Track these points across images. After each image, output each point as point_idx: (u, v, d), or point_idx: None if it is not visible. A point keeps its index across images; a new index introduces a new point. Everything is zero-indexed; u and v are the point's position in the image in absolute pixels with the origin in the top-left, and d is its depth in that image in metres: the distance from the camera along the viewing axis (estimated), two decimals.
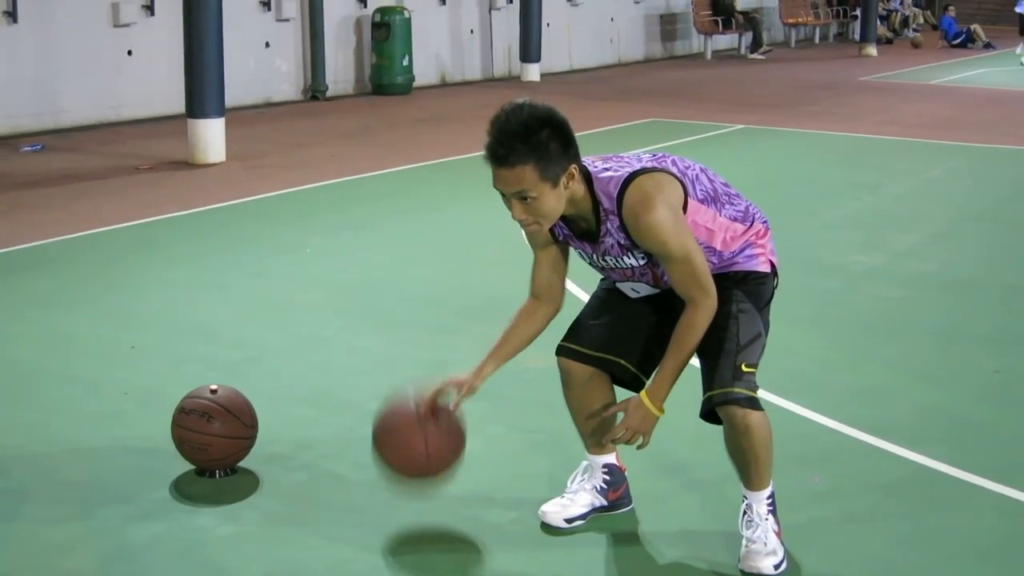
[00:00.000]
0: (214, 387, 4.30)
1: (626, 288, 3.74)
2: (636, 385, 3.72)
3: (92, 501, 4.07)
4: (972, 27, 27.23)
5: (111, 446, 4.53)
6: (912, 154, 12.00)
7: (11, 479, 4.22)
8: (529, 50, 18.31)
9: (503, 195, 3.34)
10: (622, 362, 3.74)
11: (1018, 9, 19.71)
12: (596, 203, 3.45)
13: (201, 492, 4.16)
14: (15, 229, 8.05)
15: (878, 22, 25.90)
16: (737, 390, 3.48)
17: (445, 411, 3.63)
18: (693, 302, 3.44)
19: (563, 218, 3.49)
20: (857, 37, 25.88)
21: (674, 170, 3.51)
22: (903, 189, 10.16)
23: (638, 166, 3.47)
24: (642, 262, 3.54)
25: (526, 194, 3.29)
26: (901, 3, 29.60)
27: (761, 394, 3.57)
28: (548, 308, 3.73)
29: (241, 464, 4.29)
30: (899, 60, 23.42)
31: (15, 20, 12.18)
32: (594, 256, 3.61)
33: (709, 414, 3.56)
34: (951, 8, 28.92)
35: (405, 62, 16.24)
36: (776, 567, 3.61)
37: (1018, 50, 21.29)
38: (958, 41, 26.84)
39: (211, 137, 10.68)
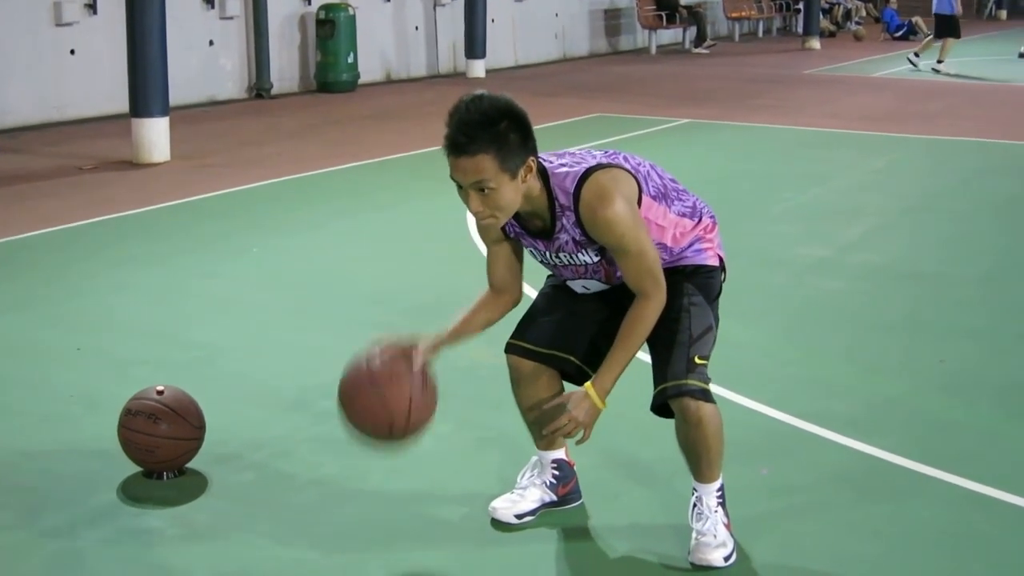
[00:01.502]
0: (160, 388, 4.27)
1: (576, 286, 3.74)
2: (582, 379, 3.70)
3: (39, 506, 4.04)
4: (914, 19, 27.53)
5: (57, 450, 4.49)
6: (856, 146, 12.11)
7: None
8: (475, 46, 18.37)
9: (460, 187, 3.31)
10: (569, 357, 3.74)
11: (937, 10, 18.90)
12: (552, 199, 3.45)
13: (149, 494, 4.13)
14: None
15: (821, 15, 26.15)
16: (691, 382, 3.48)
17: (426, 371, 3.55)
18: (644, 294, 3.44)
19: (516, 216, 3.48)
20: (800, 30, 26.13)
21: (627, 166, 3.52)
22: (847, 182, 10.24)
23: (593, 162, 3.47)
24: (596, 259, 3.54)
25: (484, 185, 3.26)
26: None
27: (711, 387, 3.58)
28: (507, 298, 3.73)
29: (189, 465, 4.27)
30: (842, 53, 23.63)
31: None
32: (547, 254, 3.60)
33: (661, 407, 3.56)
34: (892, 1, 29.23)
35: (350, 59, 16.24)
36: (726, 559, 3.63)
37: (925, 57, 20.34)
38: (900, 34, 27.12)
39: (155, 136, 10.62)
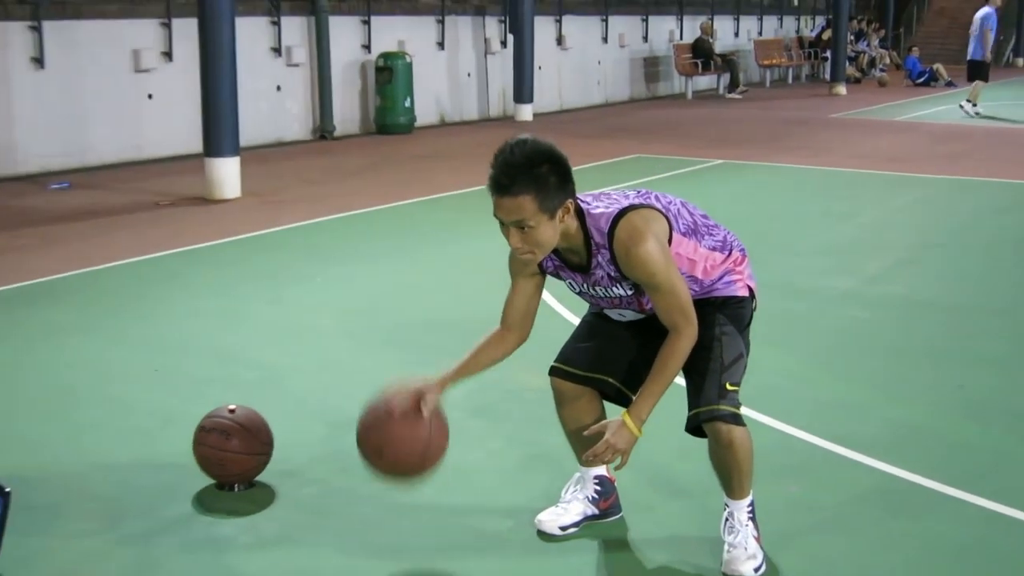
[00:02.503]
0: (232, 407, 4.32)
1: (613, 314, 3.77)
2: (621, 399, 3.74)
3: (119, 515, 4.09)
4: (935, 67, 27.35)
5: (136, 463, 4.55)
6: (879, 185, 12.04)
7: (45, 494, 4.22)
8: (522, 91, 18.42)
9: (502, 223, 3.33)
10: (608, 379, 3.76)
11: (971, 56, 19.13)
12: (588, 238, 3.48)
13: (221, 505, 4.18)
14: (44, 262, 8.08)
15: (847, 63, 26.03)
16: (722, 407, 3.51)
17: (438, 410, 3.60)
18: (676, 330, 3.45)
19: (555, 251, 3.51)
20: (828, 77, 25.97)
21: (658, 205, 3.53)
22: (871, 218, 10.20)
23: (626, 203, 3.48)
24: (630, 292, 3.55)
25: (524, 223, 3.29)
26: (868, 45, 29.74)
27: (742, 410, 3.60)
28: (516, 336, 3.73)
29: (258, 478, 4.31)
30: (867, 98, 23.47)
31: (42, 66, 12.23)
32: (584, 286, 3.63)
33: (695, 429, 3.59)
34: (915, 49, 29.09)
35: (407, 103, 16.29)
36: (756, 570, 3.63)
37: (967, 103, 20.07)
38: (922, 80, 26.96)
39: (226, 174, 10.70)
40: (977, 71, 19.63)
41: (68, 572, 3.69)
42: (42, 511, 4.06)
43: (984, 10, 19.48)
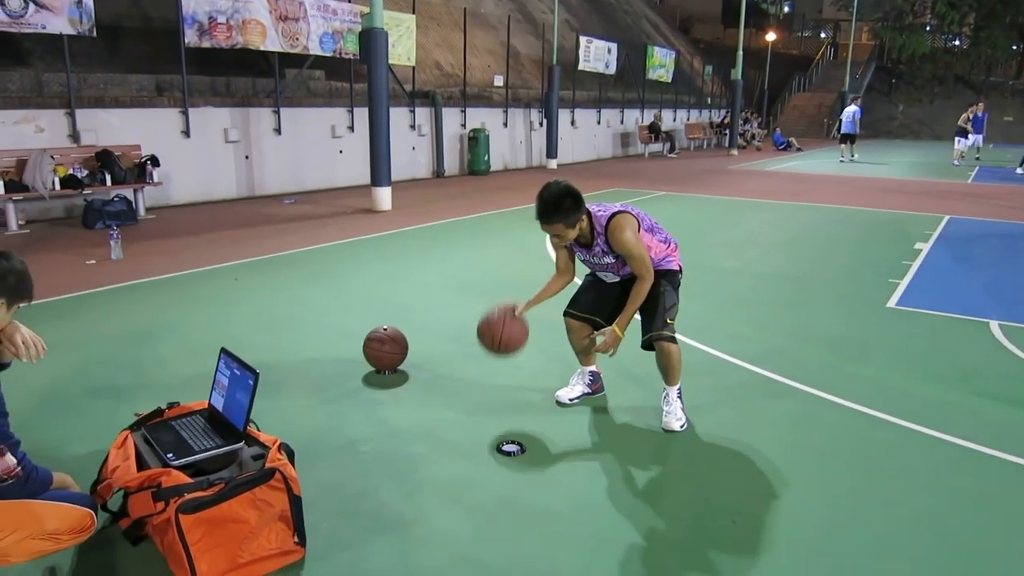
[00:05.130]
0: (385, 326, 4.35)
1: (602, 276, 3.75)
2: (603, 327, 3.73)
3: (319, 388, 4.13)
4: (791, 138, 26.84)
5: (330, 358, 4.58)
6: (755, 207, 11.86)
7: (276, 376, 4.28)
8: (552, 150, 18.23)
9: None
10: (598, 319, 3.75)
11: (845, 130, 20.60)
12: (592, 229, 3.47)
13: (378, 382, 4.21)
14: (279, 244, 8.14)
15: (738, 137, 25.57)
16: (664, 332, 3.51)
17: (523, 317, 3.59)
18: (642, 278, 3.47)
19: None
20: (727, 144, 25.56)
21: (633, 212, 3.52)
22: (750, 226, 10.04)
23: (615, 209, 3.48)
24: (614, 260, 3.55)
25: (557, 234, 3.37)
26: (751, 125, 29.14)
27: (678, 335, 3.56)
28: (567, 277, 3.73)
29: (399, 368, 4.34)
30: (749, 157, 23.07)
31: (280, 133, 12.31)
32: (587, 255, 3.62)
33: (648, 346, 3.57)
34: (778, 128, 28.55)
35: (485, 157, 16.17)
36: (681, 427, 3.63)
37: (843, 155, 21.12)
38: (782, 146, 26.42)
39: (383, 196, 10.70)
40: (851, 138, 21.04)
41: (289, 420, 3.73)
42: (275, 385, 4.13)
43: (854, 107, 20.80)
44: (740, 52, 23.47)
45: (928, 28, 38.47)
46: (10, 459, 2.19)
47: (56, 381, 4.14)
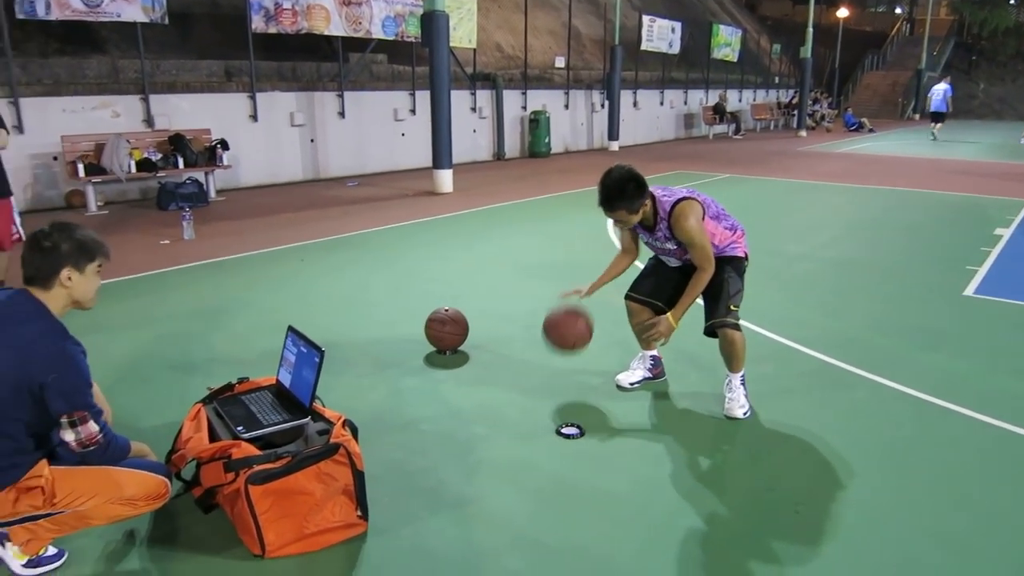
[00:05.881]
0: (447, 308, 4.40)
1: (664, 259, 3.70)
2: (666, 312, 3.70)
3: (381, 366, 4.20)
4: (862, 119, 25.96)
5: (390, 338, 4.64)
6: (823, 191, 11.52)
7: (339, 353, 4.36)
8: (613, 133, 18.01)
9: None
10: (658, 303, 3.71)
11: (934, 108, 20.37)
12: (656, 214, 3.44)
13: (439, 362, 4.26)
14: (344, 225, 8.28)
15: (807, 117, 24.84)
16: (728, 319, 3.46)
17: (583, 310, 3.62)
18: (701, 268, 3.41)
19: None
20: (795, 126, 24.85)
21: (699, 198, 3.46)
22: (819, 211, 9.77)
23: (681, 195, 3.44)
24: (676, 247, 3.50)
25: (620, 219, 3.35)
26: (820, 106, 28.25)
27: (741, 321, 3.50)
28: (630, 258, 3.72)
29: (460, 348, 4.38)
30: (819, 139, 22.40)
31: (343, 117, 12.49)
32: (649, 240, 3.58)
33: (711, 332, 3.52)
34: (850, 108, 27.63)
35: (546, 140, 16.10)
36: (744, 414, 3.57)
37: (933, 134, 20.83)
38: (854, 127, 25.58)
39: (445, 179, 10.76)
40: (940, 118, 20.78)
41: (353, 397, 3.80)
42: (339, 363, 4.21)
43: (944, 85, 20.40)
44: (810, 29, 22.74)
45: (1012, 1, 36.54)
46: (93, 426, 2.31)
47: (133, 355, 4.32)
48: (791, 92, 29.43)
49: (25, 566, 2.45)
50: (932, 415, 3.68)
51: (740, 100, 26.10)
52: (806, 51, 22.86)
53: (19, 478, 2.31)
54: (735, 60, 25.28)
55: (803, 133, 23.38)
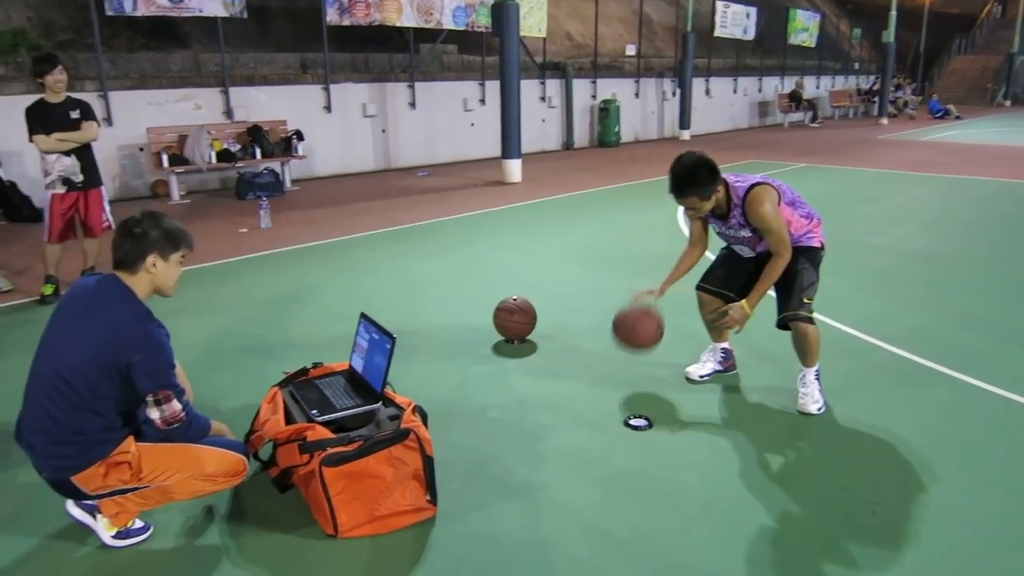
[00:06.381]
0: (515, 297, 4.41)
1: (736, 249, 3.63)
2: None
3: (450, 354, 4.24)
4: (948, 106, 24.78)
5: (460, 326, 4.68)
6: (906, 181, 11.06)
7: (410, 341, 4.42)
8: (685, 121, 17.69)
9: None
10: (729, 293, 3.64)
11: None
12: (729, 200, 3.37)
13: (507, 351, 4.27)
14: (413, 215, 8.39)
15: (889, 104, 23.87)
16: (801, 312, 3.36)
17: (655, 311, 3.59)
18: (778, 255, 3.33)
19: None
20: (876, 113, 23.92)
21: (774, 184, 3.38)
22: (901, 201, 9.39)
23: (755, 180, 3.37)
24: (750, 234, 3.43)
25: (692, 206, 3.29)
26: (903, 92, 27.11)
27: (816, 314, 3.40)
28: (699, 250, 3.65)
29: (528, 337, 4.39)
30: (901, 126, 21.50)
31: (414, 107, 12.62)
32: (722, 229, 3.51)
33: (783, 325, 3.43)
34: (935, 95, 26.42)
35: (616, 129, 15.93)
36: (819, 409, 3.48)
37: None
38: (939, 115, 24.46)
39: (513, 168, 10.78)
40: None
41: (422, 382, 3.85)
42: (409, 349, 4.27)
43: None
44: (893, 12, 21.81)
45: None
46: (176, 405, 2.41)
47: (213, 339, 4.48)
48: (872, 78, 28.35)
49: (115, 537, 2.58)
50: (1018, 415, 3.51)
51: (817, 87, 25.30)
52: (889, 35, 21.95)
53: (108, 453, 2.43)
54: (813, 45, 24.48)
55: (884, 121, 22.50)
